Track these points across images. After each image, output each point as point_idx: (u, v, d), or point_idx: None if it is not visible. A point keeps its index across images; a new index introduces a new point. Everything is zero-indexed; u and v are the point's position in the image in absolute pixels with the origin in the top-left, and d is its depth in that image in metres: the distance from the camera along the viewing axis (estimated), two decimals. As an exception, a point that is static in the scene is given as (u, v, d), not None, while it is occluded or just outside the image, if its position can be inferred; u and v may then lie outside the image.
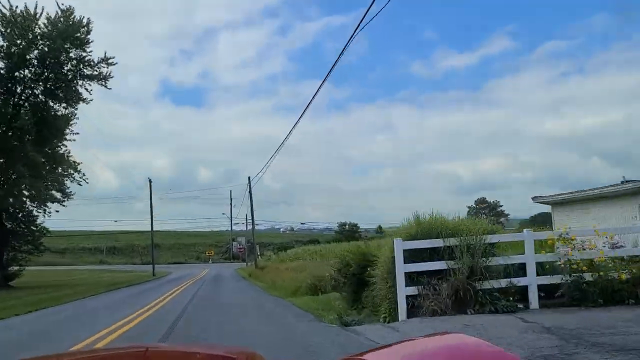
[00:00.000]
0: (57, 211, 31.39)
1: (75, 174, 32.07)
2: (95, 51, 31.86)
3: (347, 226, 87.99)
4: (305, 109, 17.74)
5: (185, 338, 8.54)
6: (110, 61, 29.69)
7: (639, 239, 9.55)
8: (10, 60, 27.35)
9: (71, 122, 30.61)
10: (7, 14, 26.61)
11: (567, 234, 9.10)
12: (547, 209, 20.50)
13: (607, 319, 7.11)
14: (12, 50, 26.95)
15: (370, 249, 11.13)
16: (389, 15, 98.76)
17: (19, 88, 29.08)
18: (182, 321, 10.77)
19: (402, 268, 8.62)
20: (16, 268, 29.50)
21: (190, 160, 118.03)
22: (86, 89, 30.11)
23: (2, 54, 27.26)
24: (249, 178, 32.62)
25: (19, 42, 27.11)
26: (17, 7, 27.02)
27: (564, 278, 8.62)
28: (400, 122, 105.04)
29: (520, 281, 8.69)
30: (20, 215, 30.74)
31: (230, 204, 70.57)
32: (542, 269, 9.03)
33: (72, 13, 28.21)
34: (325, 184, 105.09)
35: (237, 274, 39.74)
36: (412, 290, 8.62)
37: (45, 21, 27.66)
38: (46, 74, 28.82)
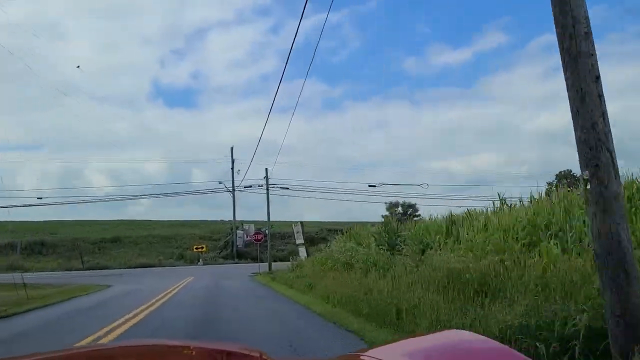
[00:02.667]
0: None
1: None
2: None
3: (399, 207, 61.10)
4: None
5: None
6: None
7: None
8: None
9: None
10: None
11: None
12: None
13: None
14: None
15: None
16: (384, 10, 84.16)
17: None
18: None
19: None
20: None
21: (183, 161, 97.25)
22: None
23: None
24: None
25: None
26: None
27: None
28: (395, 119, 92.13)
29: None
30: None
31: (232, 168, 43.42)
32: None
33: None
34: (320, 183, 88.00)
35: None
36: None
37: None
38: None
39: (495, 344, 1.46)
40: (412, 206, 60.85)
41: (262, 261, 45.48)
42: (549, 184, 63.55)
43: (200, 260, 42.39)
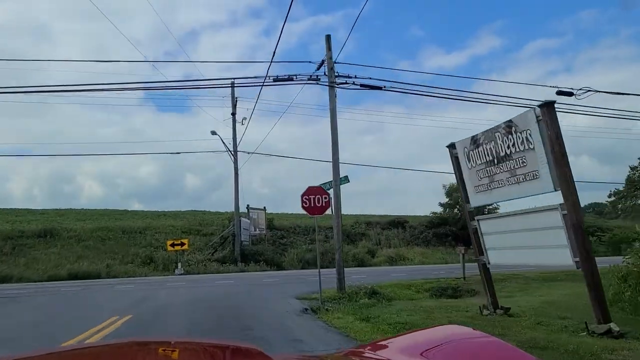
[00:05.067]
0: None
1: None
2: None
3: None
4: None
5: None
6: None
7: None
8: None
9: None
10: None
11: None
12: None
13: None
14: None
15: None
16: (379, 14, 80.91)
17: None
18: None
19: None
20: None
21: (175, 167, 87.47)
22: None
23: None
24: None
25: None
26: None
27: None
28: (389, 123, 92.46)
29: None
30: None
31: (234, 114, 26.12)
32: None
33: None
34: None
35: None
36: None
37: None
38: None
39: (489, 337, 1.49)
40: (483, 189, 43.88)
41: (279, 266, 28.19)
42: (632, 167, 46.46)
43: (180, 265, 25.11)
